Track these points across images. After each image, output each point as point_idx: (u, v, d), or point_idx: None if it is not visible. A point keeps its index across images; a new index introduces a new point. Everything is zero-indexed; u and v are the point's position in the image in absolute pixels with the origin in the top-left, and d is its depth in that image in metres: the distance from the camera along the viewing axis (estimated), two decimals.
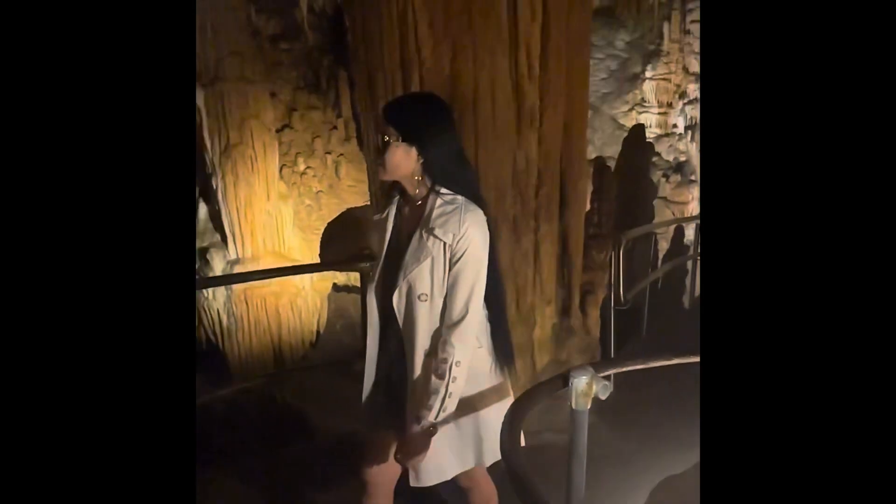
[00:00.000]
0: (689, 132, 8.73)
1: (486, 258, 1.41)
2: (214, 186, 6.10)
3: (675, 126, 9.13)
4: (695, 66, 8.73)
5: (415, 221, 1.43)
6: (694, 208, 7.67)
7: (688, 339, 1.56)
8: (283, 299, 6.17)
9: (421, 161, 1.39)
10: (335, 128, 7.10)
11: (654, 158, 7.90)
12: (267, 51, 6.65)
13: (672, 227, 6.30)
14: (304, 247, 6.82)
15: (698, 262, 4.32)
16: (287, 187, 6.79)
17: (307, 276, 6.19)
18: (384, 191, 1.59)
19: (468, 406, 1.48)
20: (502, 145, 2.51)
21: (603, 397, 1.49)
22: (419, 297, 1.39)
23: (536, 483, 1.12)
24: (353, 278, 6.56)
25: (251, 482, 2.37)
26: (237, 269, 6.07)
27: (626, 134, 6.80)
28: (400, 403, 1.47)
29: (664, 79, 9.30)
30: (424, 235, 1.38)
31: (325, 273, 6.38)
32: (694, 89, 8.75)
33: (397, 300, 1.43)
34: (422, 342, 1.41)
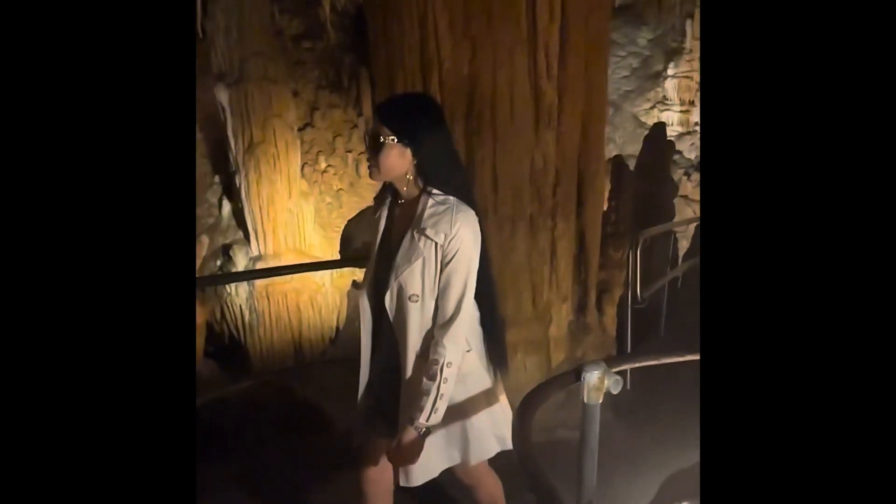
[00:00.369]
0: None
1: (477, 259, 1.40)
2: (238, 184, 6.22)
3: (696, 124, 9.04)
4: None
5: (406, 222, 1.43)
6: None
7: None
8: (303, 296, 6.26)
9: (414, 162, 1.39)
10: (356, 126, 7.18)
11: (676, 157, 7.84)
12: (290, 50, 6.75)
13: (692, 226, 6.23)
14: (325, 244, 6.90)
15: None
16: (308, 185, 6.88)
17: (327, 273, 6.26)
18: (377, 191, 1.58)
19: (457, 408, 1.47)
20: (520, 144, 2.53)
21: (615, 392, 1.51)
22: (410, 298, 1.39)
23: (547, 474, 1.14)
24: None
25: (270, 473, 2.43)
26: (259, 266, 6.17)
27: (647, 132, 6.76)
28: (392, 405, 1.46)
29: (686, 76, 9.22)
30: (416, 236, 1.38)
31: (345, 270, 6.45)
32: None
33: (389, 301, 1.42)
34: (413, 343, 1.41)
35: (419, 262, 1.37)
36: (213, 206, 6.77)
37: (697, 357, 1.63)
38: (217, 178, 6.78)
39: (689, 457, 2.32)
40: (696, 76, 9.04)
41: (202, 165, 6.82)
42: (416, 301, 1.39)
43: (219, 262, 6.46)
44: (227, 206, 6.65)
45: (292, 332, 6.26)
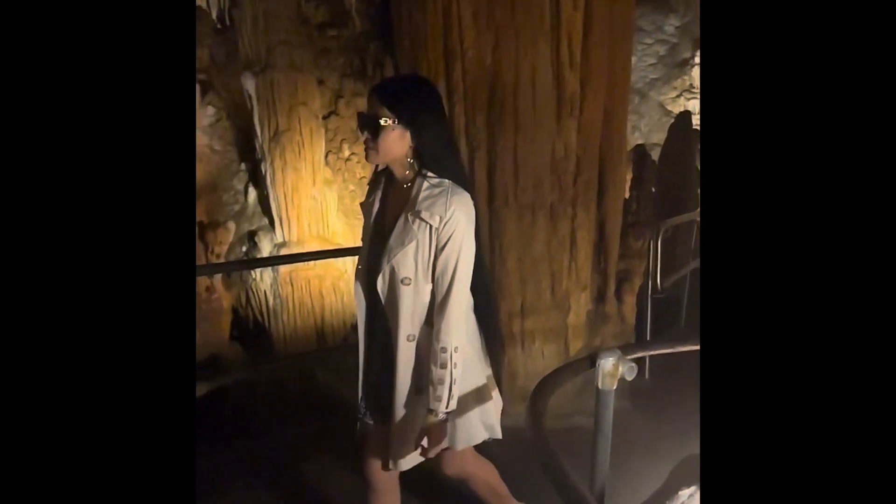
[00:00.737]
0: None
1: (472, 242, 1.39)
2: (263, 172, 6.31)
3: None
4: None
5: (400, 205, 1.41)
6: None
7: None
8: (326, 282, 6.34)
9: (412, 144, 1.37)
10: None
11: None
12: (315, 38, 6.79)
13: None
14: (348, 231, 6.98)
15: None
16: (332, 173, 6.95)
17: (350, 259, 6.33)
18: (372, 176, 1.56)
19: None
20: (542, 133, 2.54)
21: (629, 378, 1.54)
22: (402, 281, 1.36)
23: (559, 456, 1.17)
24: None
25: (292, 452, 2.50)
26: (283, 252, 6.27)
27: (672, 120, 6.67)
28: (386, 391, 1.45)
29: None
30: (410, 218, 1.36)
31: None
32: None
33: (381, 284, 1.39)
34: (404, 327, 1.39)
35: (412, 244, 1.35)
36: (239, 193, 6.88)
37: None
38: (243, 166, 6.89)
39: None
40: None
41: (229, 153, 6.93)
42: (409, 284, 1.37)
43: (244, 248, 6.58)
44: (252, 194, 6.76)
45: (315, 318, 6.36)
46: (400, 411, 1.43)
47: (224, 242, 6.33)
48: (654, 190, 4.03)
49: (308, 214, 6.39)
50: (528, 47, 2.41)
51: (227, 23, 6.22)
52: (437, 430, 1.39)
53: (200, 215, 6.21)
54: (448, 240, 1.34)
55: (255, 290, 6.41)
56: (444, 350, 1.35)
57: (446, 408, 1.37)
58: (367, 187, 1.57)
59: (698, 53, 9.23)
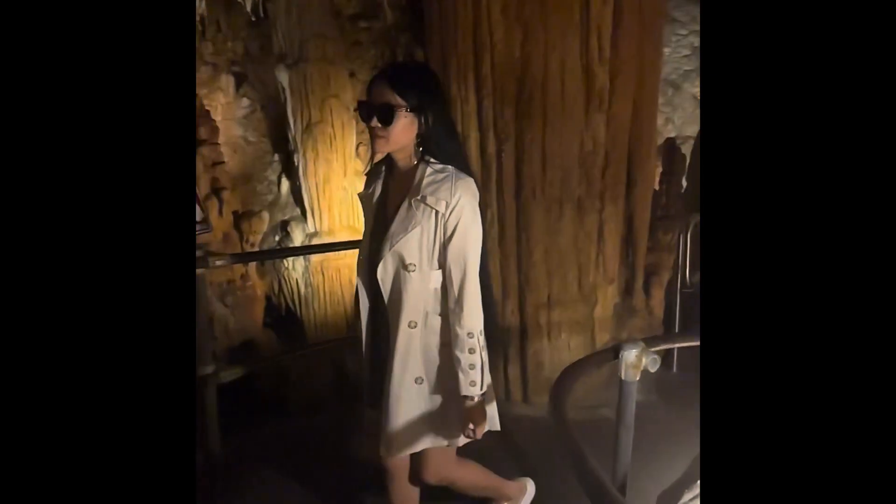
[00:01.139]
0: None
1: (480, 226, 1.38)
2: (296, 163, 6.43)
3: None
4: None
5: (403, 192, 1.39)
6: None
7: None
8: (355, 271, 6.43)
9: (419, 132, 1.36)
10: None
11: None
12: (347, 31, 6.85)
13: None
14: None
15: None
16: (363, 165, 7.04)
17: None
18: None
19: (442, 388, 1.45)
20: (570, 126, 2.56)
21: (652, 370, 1.56)
22: (407, 268, 1.35)
23: (580, 444, 1.20)
24: None
25: (323, 433, 2.59)
26: (315, 242, 6.39)
27: None
28: (379, 376, 1.46)
29: None
30: (414, 204, 1.34)
31: None
32: None
33: (382, 272, 1.38)
34: (407, 314, 1.38)
35: (417, 230, 1.34)
36: (272, 184, 7.02)
37: None
38: (277, 157, 7.02)
39: None
40: None
41: (263, 144, 7.07)
42: (414, 270, 1.36)
43: (277, 238, 6.72)
44: (285, 184, 6.89)
45: (344, 306, 6.47)
46: (395, 399, 1.42)
47: (258, 231, 6.47)
48: (684, 183, 3.98)
49: (339, 205, 6.47)
50: (557, 41, 2.42)
51: (262, 15, 6.32)
52: (478, 412, 1.41)
53: (235, 205, 6.36)
54: (457, 226, 1.34)
55: (287, 278, 6.55)
56: (470, 335, 1.37)
57: (482, 389, 1.40)
58: (364, 178, 1.56)
59: None
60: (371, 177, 1.52)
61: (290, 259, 6.40)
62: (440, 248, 1.37)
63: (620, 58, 2.49)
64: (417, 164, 1.39)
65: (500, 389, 2.93)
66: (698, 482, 2.01)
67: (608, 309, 2.97)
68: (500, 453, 2.42)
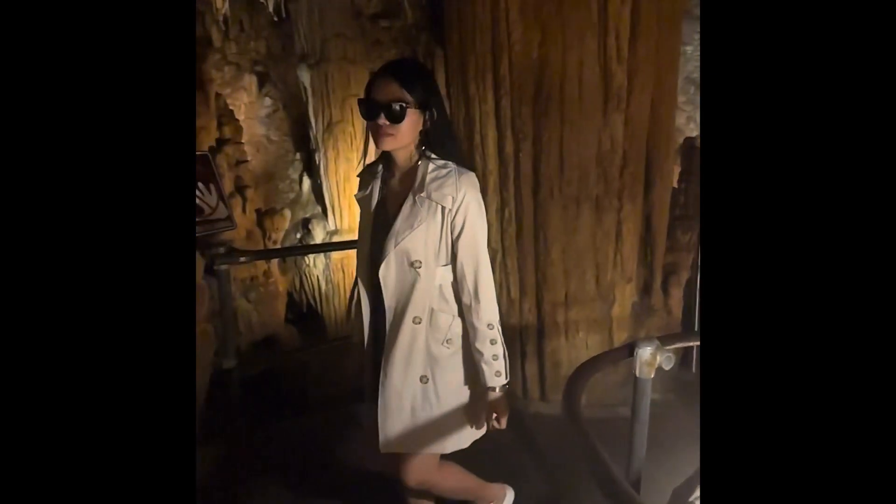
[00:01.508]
0: None
1: (485, 220, 1.38)
2: (317, 161, 6.51)
3: None
4: None
5: (404, 190, 1.39)
6: None
7: None
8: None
9: (422, 128, 1.36)
10: None
11: None
12: (368, 30, 6.91)
13: None
14: None
15: None
16: None
17: None
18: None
19: (445, 393, 1.45)
20: (588, 125, 2.56)
21: (667, 368, 1.58)
22: (413, 265, 1.35)
23: (594, 439, 1.22)
24: None
25: (343, 427, 2.64)
26: (335, 239, 6.47)
27: None
28: (380, 370, 1.44)
29: None
30: (418, 201, 1.34)
31: None
32: None
33: (385, 270, 1.37)
34: (412, 310, 1.37)
35: (422, 227, 1.33)
36: (294, 182, 7.12)
37: None
38: (298, 156, 7.12)
39: None
40: None
41: (285, 143, 7.17)
42: (420, 267, 1.35)
43: (298, 235, 6.82)
44: (307, 182, 6.98)
45: None
46: (396, 395, 1.42)
47: (280, 229, 6.57)
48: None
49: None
50: (575, 41, 2.43)
51: (284, 16, 6.41)
52: (502, 403, 1.44)
53: (258, 203, 6.47)
54: (465, 221, 1.34)
55: (308, 275, 6.65)
56: (490, 326, 1.39)
57: (506, 379, 1.42)
58: (358, 180, 1.53)
59: None
60: (366, 178, 1.50)
61: (312, 256, 6.49)
62: (446, 244, 1.37)
63: (638, 57, 2.49)
64: (418, 160, 1.38)
65: (517, 387, 2.96)
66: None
67: (626, 308, 2.97)
68: (517, 451, 2.45)
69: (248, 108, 6.90)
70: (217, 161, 4.41)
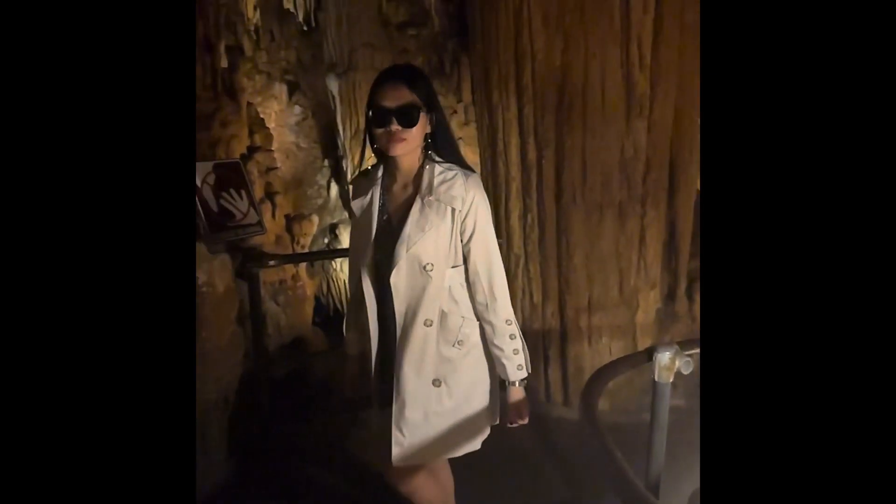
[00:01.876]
0: None
1: (491, 217, 1.40)
2: (345, 168, 6.62)
3: None
4: None
5: (410, 194, 1.38)
6: None
7: None
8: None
9: (427, 131, 1.36)
10: (455, 112, 7.36)
11: None
12: (395, 39, 7.01)
13: None
14: None
15: None
16: None
17: None
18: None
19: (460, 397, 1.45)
20: (610, 132, 2.58)
21: (685, 372, 1.59)
22: (425, 268, 1.34)
23: (609, 441, 1.23)
24: None
25: (363, 426, 2.69)
26: None
27: None
28: (392, 374, 1.43)
29: None
30: (428, 204, 1.34)
31: None
32: None
33: (396, 276, 1.36)
34: (423, 313, 1.37)
35: (433, 230, 1.33)
36: (322, 188, 7.25)
37: None
38: (326, 162, 7.24)
39: None
40: None
41: (313, 150, 7.30)
42: (432, 270, 1.35)
43: (326, 240, 6.94)
44: (334, 188, 7.10)
45: None
46: (411, 400, 1.41)
47: (308, 234, 6.68)
48: None
49: None
50: (598, 50, 2.45)
51: (313, 25, 6.55)
52: (524, 399, 1.46)
53: (287, 208, 6.59)
54: (476, 222, 1.35)
55: (335, 279, 6.75)
56: (508, 322, 1.42)
57: (527, 372, 1.45)
58: (351, 186, 1.53)
59: None
60: (363, 184, 1.48)
61: (338, 260, 6.58)
62: (455, 245, 1.37)
63: (661, 64, 2.50)
64: (423, 163, 1.39)
65: (540, 392, 2.97)
66: None
67: (650, 314, 2.96)
68: (540, 455, 2.47)
69: (279, 116, 7.05)
70: (248, 168, 4.52)
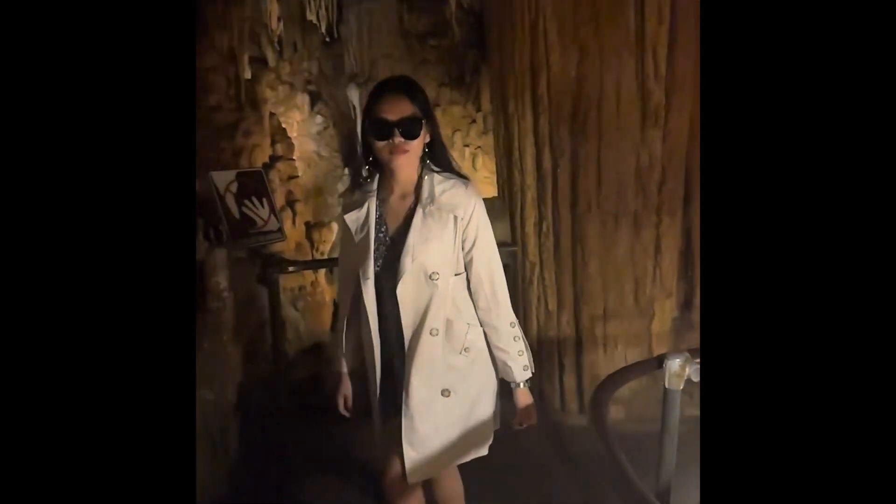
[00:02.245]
0: None
1: (490, 227, 1.40)
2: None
3: None
4: None
5: (409, 205, 1.38)
6: None
7: None
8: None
9: (426, 140, 1.37)
10: (474, 121, 7.42)
11: None
12: (415, 50, 7.10)
13: None
14: None
15: None
16: None
17: None
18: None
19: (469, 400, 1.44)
20: (625, 142, 2.60)
21: (695, 380, 1.59)
22: (431, 277, 1.34)
23: (617, 448, 1.24)
24: None
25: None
26: None
27: None
28: (400, 387, 1.41)
29: None
30: (429, 213, 1.34)
31: None
32: None
33: (402, 288, 1.34)
34: (429, 322, 1.35)
35: (437, 239, 1.33)
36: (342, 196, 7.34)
37: None
38: (346, 171, 7.34)
39: None
40: None
41: (334, 159, 7.41)
42: (437, 279, 1.34)
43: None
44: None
45: None
46: (420, 412, 1.39)
47: (327, 241, 6.76)
48: None
49: None
50: (613, 61, 2.48)
51: (335, 36, 6.67)
52: (531, 400, 1.48)
53: (307, 216, 6.69)
54: (478, 229, 1.37)
55: None
56: (512, 325, 1.44)
57: (531, 372, 1.46)
58: (341, 199, 1.55)
59: None
60: (357, 197, 1.46)
61: None
62: (458, 252, 1.38)
63: (676, 75, 2.52)
64: (422, 173, 1.39)
65: (556, 400, 2.98)
66: None
67: (666, 323, 2.96)
68: (554, 463, 2.47)
69: (301, 126, 7.17)
70: (270, 177, 4.62)
